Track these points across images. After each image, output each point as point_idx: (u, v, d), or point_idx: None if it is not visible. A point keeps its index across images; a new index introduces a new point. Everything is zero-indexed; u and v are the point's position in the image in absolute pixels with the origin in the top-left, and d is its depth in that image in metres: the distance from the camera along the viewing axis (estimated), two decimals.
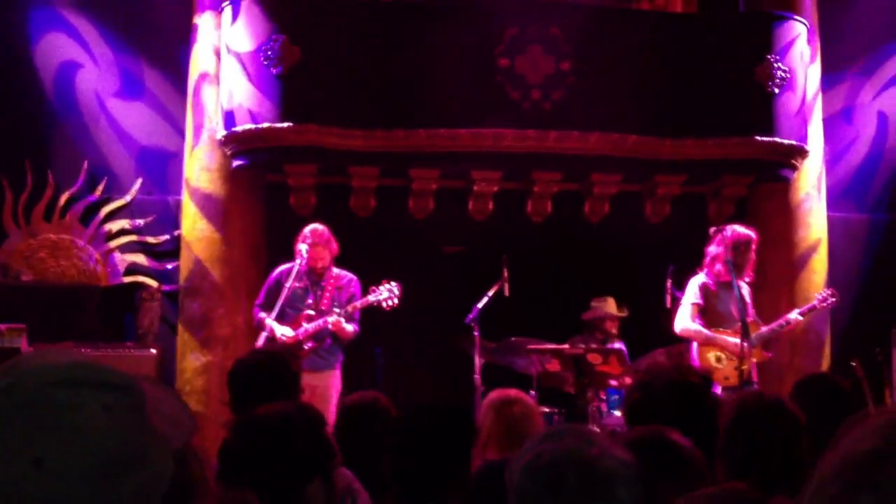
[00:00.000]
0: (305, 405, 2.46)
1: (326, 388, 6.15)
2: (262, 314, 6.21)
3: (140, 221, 7.58)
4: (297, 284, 6.19)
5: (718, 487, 2.05)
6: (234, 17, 7.07)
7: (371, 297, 6.22)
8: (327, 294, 6.28)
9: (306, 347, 6.12)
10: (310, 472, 2.21)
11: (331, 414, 5.75)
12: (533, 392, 6.47)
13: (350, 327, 6.19)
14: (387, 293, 6.20)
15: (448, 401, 2.90)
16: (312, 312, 6.20)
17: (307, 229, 6.30)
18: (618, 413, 6.65)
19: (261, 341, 5.93)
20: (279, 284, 6.20)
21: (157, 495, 1.04)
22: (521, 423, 3.51)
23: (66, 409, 0.99)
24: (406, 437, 2.62)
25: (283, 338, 6.07)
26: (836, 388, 3.61)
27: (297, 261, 6.18)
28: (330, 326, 6.12)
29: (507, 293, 6.60)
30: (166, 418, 1.12)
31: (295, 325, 6.18)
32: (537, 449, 1.69)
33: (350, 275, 6.41)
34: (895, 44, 8.44)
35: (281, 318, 6.14)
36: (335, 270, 6.37)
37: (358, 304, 6.23)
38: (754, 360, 5.93)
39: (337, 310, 6.16)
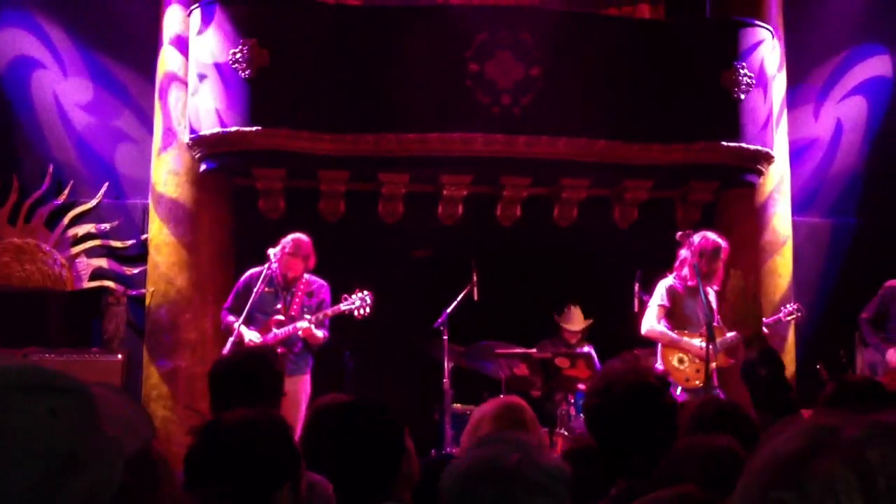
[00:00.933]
0: (271, 411, 2.44)
1: (296, 393, 6.12)
2: (231, 318, 6.16)
3: (106, 226, 7.51)
4: (266, 289, 6.16)
5: (668, 490, 2.06)
6: (203, 20, 7.03)
7: (343, 306, 6.20)
8: (297, 299, 6.26)
9: (276, 353, 6.08)
10: (278, 479, 2.19)
11: (300, 419, 5.73)
12: (502, 396, 6.48)
13: (320, 333, 6.17)
14: (359, 302, 6.18)
15: (386, 398, 2.90)
16: (282, 318, 6.18)
17: (291, 237, 6.24)
18: None
19: (228, 346, 5.89)
20: (248, 288, 6.15)
21: (105, 498, 1.04)
22: (525, 427, 3.52)
23: (12, 412, 0.99)
24: (339, 437, 2.62)
25: (252, 343, 6.03)
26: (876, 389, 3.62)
27: (267, 265, 6.14)
28: (300, 333, 6.10)
29: (476, 297, 6.61)
30: (121, 423, 1.12)
31: (264, 330, 6.15)
32: (465, 455, 1.70)
33: (321, 280, 6.38)
34: (855, 51, 8.55)
35: (250, 323, 6.11)
36: (306, 276, 6.34)
37: (329, 312, 6.20)
38: (714, 365, 5.98)
39: (308, 316, 6.13)
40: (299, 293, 6.27)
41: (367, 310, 6.19)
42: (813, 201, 8.48)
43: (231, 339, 5.91)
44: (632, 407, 2.62)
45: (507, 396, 3.77)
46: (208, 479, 2.17)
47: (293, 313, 6.20)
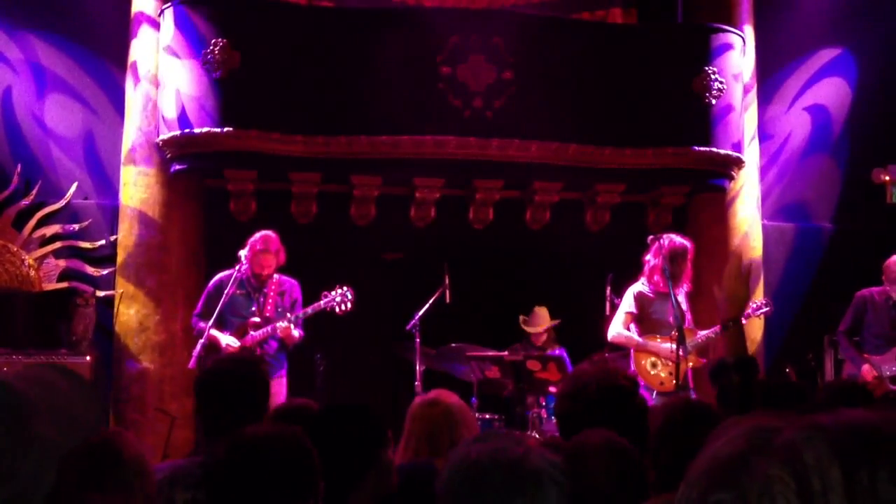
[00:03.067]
0: (295, 428, 2.41)
1: (276, 396, 6.03)
2: (202, 324, 6.08)
3: (75, 226, 7.43)
4: (238, 291, 6.11)
5: (657, 499, 2.08)
6: (174, 20, 6.99)
7: (323, 303, 6.16)
8: (270, 300, 6.20)
9: (256, 355, 6.02)
10: (302, 496, 2.20)
11: None
12: (474, 399, 6.49)
13: (296, 332, 6.12)
14: (339, 298, 6.16)
15: (359, 401, 2.88)
16: (258, 320, 6.12)
17: (259, 234, 6.21)
18: None
19: (198, 348, 5.84)
20: (219, 291, 6.10)
21: (35, 499, 1.01)
22: (441, 425, 3.46)
23: None
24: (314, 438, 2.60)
25: (230, 347, 5.97)
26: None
27: (238, 267, 6.09)
28: (279, 333, 6.04)
29: (448, 300, 6.62)
30: (64, 416, 1.09)
31: (239, 333, 6.08)
32: (467, 449, 1.71)
33: (292, 280, 6.35)
34: (821, 55, 8.63)
35: (222, 326, 6.06)
36: (276, 276, 6.30)
37: (310, 310, 6.15)
38: (690, 365, 6.02)
39: (289, 315, 6.09)
40: (272, 293, 6.22)
41: (349, 305, 6.17)
42: (784, 205, 8.56)
43: (201, 342, 5.86)
44: (604, 408, 2.63)
45: (430, 393, 3.69)
46: (232, 495, 2.17)
47: (268, 314, 6.15)
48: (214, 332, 6.01)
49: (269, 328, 6.05)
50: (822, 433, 0.82)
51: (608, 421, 2.60)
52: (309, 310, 6.16)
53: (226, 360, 3.72)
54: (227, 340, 6.00)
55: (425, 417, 3.47)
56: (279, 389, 6.15)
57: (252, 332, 6.07)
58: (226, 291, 6.00)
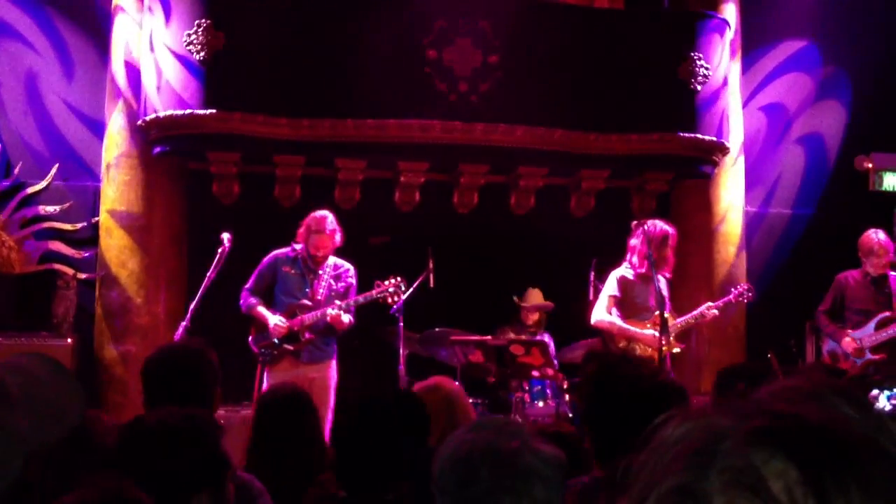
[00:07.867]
0: (199, 413, 2.37)
1: (325, 380, 6.06)
2: (253, 299, 6.12)
3: (56, 208, 7.36)
4: (291, 271, 6.12)
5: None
6: (158, 0, 6.92)
7: (375, 292, 6.14)
8: (324, 283, 6.16)
9: (304, 338, 6.03)
10: (195, 484, 2.16)
11: (330, 406, 5.69)
12: (457, 383, 6.48)
13: (346, 319, 6.08)
14: (392, 289, 6.14)
15: (400, 389, 2.88)
16: (309, 302, 6.09)
17: (314, 215, 6.17)
18: (541, 404, 6.71)
19: (180, 331, 5.78)
20: (274, 269, 6.12)
21: None
22: (443, 411, 3.49)
23: None
24: (364, 426, 2.56)
25: (277, 327, 5.97)
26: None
27: (295, 246, 6.12)
28: (329, 319, 6.01)
29: (432, 284, 6.60)
30: (43, 408, 1.07)
31: (288, 314, 6.06)
32: (461, 438, 1.68)
33: (348, 265, 6.30)
34: (798, 41, 8.64)
35: (275, 306, 6.09)
36: (332, 259, 6.26)
37: (361, 298, 6.13)
38: (672, 350, 6.04)
39: (339, 302, 6.06)
40: (326, 277, 6.18)
41: (401, 297, 6.16)
42: (767, 192, 8.57)
43: (182, 324, 5.80)
44: (643, 405, 2.49)
45: (429, 379, 3.71)
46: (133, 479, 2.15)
47: (319, 297, 6.12)
48: (262, 309, 6.05)
49: (317, 312, 6.02)
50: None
51: (639, 418, 2.48)
52: (360, 298, 6.13)
53: (171, 348, 3.65)
54: (276, 320, 6.00)
55: (427, 402, 3.48)
56: (332, 374, 6.15)
57: (302, 315, 6.04)
58: (284, 270, 6.08)
